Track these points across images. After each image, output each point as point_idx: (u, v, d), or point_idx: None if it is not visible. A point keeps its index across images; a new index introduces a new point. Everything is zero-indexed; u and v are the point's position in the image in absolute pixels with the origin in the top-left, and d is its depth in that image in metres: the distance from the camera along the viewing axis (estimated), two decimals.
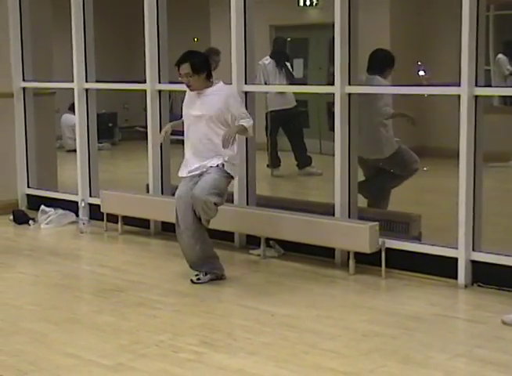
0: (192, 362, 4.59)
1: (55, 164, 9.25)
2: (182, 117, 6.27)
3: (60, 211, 8.26)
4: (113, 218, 7.80)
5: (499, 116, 10.30)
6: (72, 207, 8.24)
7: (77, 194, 8.32)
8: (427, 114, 10.91)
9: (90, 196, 8.29)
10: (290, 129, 10.91)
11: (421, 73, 10.43)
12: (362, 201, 6.98)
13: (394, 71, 7.13)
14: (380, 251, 6.16)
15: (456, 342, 4.94)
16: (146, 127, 7.85)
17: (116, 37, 14.99)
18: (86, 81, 8.24)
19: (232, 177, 6.10)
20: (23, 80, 8.81)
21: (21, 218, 8.34)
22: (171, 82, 7.63)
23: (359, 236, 6.14)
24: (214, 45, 10.67)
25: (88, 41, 8.20)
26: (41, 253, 7.28)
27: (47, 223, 8.17)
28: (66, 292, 6.07)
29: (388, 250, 6.18)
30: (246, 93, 7.02)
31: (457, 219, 5.94)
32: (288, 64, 10.94)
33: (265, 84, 10.36)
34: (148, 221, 7.70)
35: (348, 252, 6.32)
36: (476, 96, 5.85)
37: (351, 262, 6.27)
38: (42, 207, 8.32)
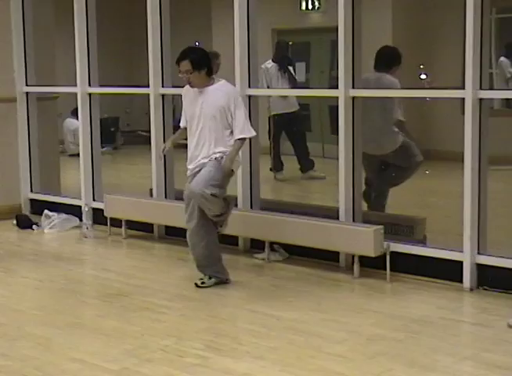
0: (198, 366, 4.57)
1: (58, 169, 9.25)
2: (180, 121, 6.28)
3: (64, 215, 8.26)
4: (116, 223, 7.80)
5: (501, 119, 10.29)
6: (75, 211, 8.24)
7: (80, 199, 8.32)
8: (429, 117, 10.89)
9: (93, 200, 8.28)
10: (292, 133, 10.91)
11: (423, 76, 10.41)
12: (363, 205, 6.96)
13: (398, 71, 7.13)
14: (384, 255, 6.15)
15: (462, 346, 4.93)
16: (148, 131, 7.86)
17: (119, 42, 14.97)
18: (89, 86, 8.24)
19: (233, 170, 6.10)
20: (26, 84, 8.80)
21: (25, 223, 8.34)
22: (174, 86, 7.63)
23: (364, 240, 6.13)
24: (216, 49, 10.66)
25: (91, 46, 8.20)
26: (44, 258, 7.27)
27: (50, 228, 8.17)
28: (71, 297, 6.06)
29: (393, 253, 6.17)
30: (249, 97, 7.02)
31: (462, 222, 5.93)
32: (290, 68, 10.94)
33: (268, 87, 10.36)
34: (152, 225, 7.69)
35: (353, 256, 6.31)
36: (480, 99, 5.85)
37: (356, 266, 6.26)
38: (46, 211, 8.32)
